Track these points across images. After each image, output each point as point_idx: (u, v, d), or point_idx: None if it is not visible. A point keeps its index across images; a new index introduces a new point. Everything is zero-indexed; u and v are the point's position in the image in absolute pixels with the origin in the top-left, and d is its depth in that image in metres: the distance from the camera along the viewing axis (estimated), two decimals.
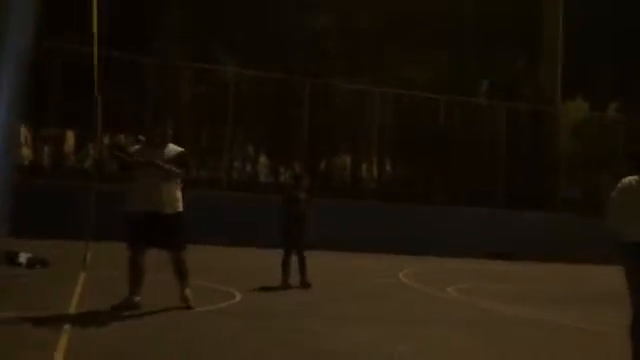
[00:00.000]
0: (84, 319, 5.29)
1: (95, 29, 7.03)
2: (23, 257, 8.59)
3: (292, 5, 22.69)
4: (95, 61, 7.28)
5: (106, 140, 21.03)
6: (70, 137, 21.37)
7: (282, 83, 20.11)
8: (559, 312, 7.76)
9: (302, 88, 17.74)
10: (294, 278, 8.08)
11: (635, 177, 4.42)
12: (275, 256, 8.41)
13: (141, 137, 6.32)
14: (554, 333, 6.30)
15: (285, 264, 8.17)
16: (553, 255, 16.89)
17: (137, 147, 6.26)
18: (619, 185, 4.49)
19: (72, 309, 5.69)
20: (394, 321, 6.37)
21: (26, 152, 21.29)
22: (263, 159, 24.54)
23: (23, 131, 21.39)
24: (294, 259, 8.12)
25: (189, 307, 6.04)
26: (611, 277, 13.29)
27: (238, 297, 7.06)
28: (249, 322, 5.80)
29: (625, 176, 4.54)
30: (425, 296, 8.62)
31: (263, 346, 4.80)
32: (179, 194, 6.12)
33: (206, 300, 6.68)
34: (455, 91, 20.97)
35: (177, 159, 6.04)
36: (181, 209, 6.14)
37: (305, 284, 8.05)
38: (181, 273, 6.22)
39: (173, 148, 6.16)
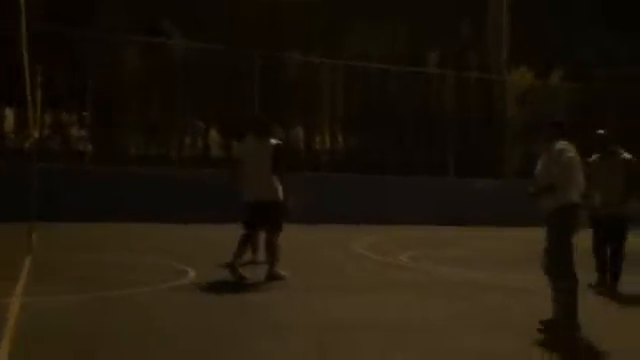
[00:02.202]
0: (32, 303, 5.12)
1: (22, 1, 6.65)
2: None
3: None
4: (24, 36, 6.90)
5: (47, 118, 20.25)
6: (9, 116, 20.42)
7: (232, 56, 19.71)
8: (507, 274, 8.03)
9: (252, 61, 17.45)
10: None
11: (565, 142, 4.74)
12: (232, 231, 8.31)
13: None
14: (500, 294, 6.51)
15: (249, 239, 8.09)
16: (503, 220, 17.42)
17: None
18: (567, 148, 4.70)
19: (19, 293, 5.49)
20: (350, 290, 6.44)
21: None
22: (214, 134, 24.12)
23: None
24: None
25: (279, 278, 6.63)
26: None
27: (194, 273, 6.97)
28: (208, 297, 5.74)
29: (543, 142, 4.90)
30: (379, 265, 8.75)
31: (223, 319, 4.77)
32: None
33: (163, 277, 6.58)
34: (405, 62, 21.08)
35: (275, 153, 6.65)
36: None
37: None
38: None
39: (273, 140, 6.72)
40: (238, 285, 6.51)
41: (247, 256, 7.95)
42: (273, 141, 6.72)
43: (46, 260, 7.77)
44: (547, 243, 4.72)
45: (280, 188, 6.77)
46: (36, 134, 9.37)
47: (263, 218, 6.73)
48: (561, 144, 4.73)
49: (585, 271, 6.91)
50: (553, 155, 4.71)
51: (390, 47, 22.98)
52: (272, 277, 6.73)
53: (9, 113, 19.98)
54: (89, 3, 19.70)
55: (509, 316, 5.38)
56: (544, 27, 25.17)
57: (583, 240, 7.68)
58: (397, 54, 22.12)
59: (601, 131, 6.95)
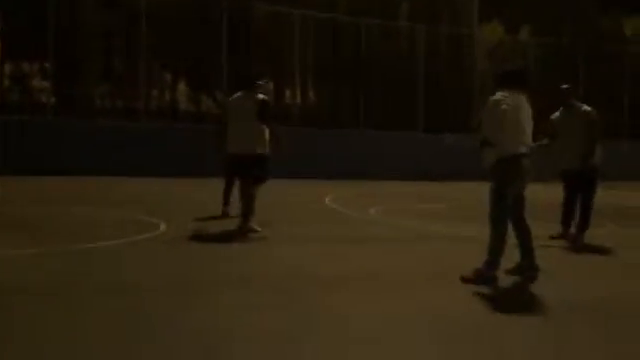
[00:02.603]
0: (2, 260, 5.04)
1: None
2: None
3: None
4: None
5: (8, 68, 19.50)
6: None
7: (198, 6, 19.15)
8: (473, 227, 8.21)
9: (220, 11, 16.99)
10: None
11: (505, 94, 4.61)
12: (201, 185, 8.25)
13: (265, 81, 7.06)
14: (464, 245, 6.68)
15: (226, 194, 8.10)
16: (472, 174, 17.69)
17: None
18: (502, 100, 4.58)
19: None
20: (316, 241, 6.51)
21: None
22: (182, 87, 23.64)
23: None
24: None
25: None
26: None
27: (164, 226, 6.94)
28: (176, 249, 5.73)
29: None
30: (348, 218, 8.84)
31: (189, 271, 4.78)
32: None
33: (131, 230, 6.53)
34: (375, 14, 20.81)
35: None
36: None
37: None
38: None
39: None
40: (206, 237, 6.51)
41: (219, 209, 7.95)
42: (260, 96, 6.73)
43: (9, 214, 7.61)
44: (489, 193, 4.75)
45: (266, 141, 6.79)
46: None
47: (245, 170, 6.75)
48: (497, 95, 4.64)
49: (548, 222, 7.14)
50: (488, 107, 4.68)
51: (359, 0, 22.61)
52: (245, 230, 6.71)
53: None
54: None
55: (455, 265, 5.53)
56: None
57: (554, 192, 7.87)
58: (367, 6, 21.79)
59: (565, 85, 7.01)
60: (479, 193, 14.38)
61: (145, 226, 6.95)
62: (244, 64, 19.29)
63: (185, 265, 5.13)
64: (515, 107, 4.62)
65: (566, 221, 6.99)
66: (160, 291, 4.16)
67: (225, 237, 6.58)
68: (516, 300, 4.40)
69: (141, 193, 11.38)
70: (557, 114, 7.00)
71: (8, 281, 4.29)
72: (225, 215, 7.94)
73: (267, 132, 6.77)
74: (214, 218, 7.80)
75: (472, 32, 22.33)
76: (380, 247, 6.40)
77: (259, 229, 6.78)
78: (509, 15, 23.77)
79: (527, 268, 4.82)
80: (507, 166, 4.62)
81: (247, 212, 6.71)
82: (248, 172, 6.73)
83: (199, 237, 6.51)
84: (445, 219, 9.05)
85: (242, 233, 6.62)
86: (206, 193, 7.57)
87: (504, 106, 4.55)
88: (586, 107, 6.85)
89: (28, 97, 19.80)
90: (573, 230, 6.91)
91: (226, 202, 8.08)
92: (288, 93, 22.93)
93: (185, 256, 5.53)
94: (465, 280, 4.59)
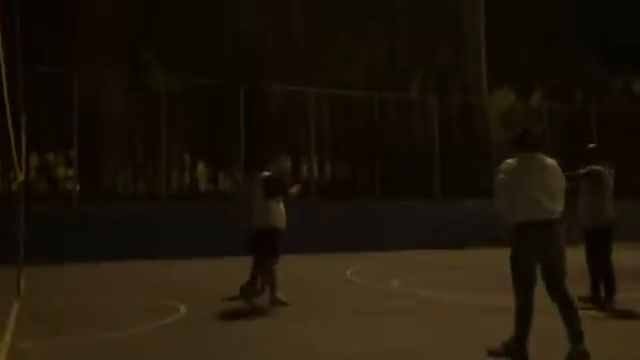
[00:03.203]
0: (21, 349, 5.06)
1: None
2: None
3: (221, 9, 22.48)
4: (3, 75, 6.92)
5: (33, 160, 20.21)
6: None
7: (216, 89, 19.90)
8: (500, 295, 8.05)
9: (236, 93, 17.61)
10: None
11: (513, 159, 4.44)
12: (220, 264, 8.29)
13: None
14: (491, 316, 6.53)
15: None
16: (494, 240, 17.48)
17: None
18: (502, 167, 4.44)
19: (8, 339, 5.42)
20: (340, 318, 6.42)
21: None
22: (201, 167, 24.18)
23: None
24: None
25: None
26: None
27: (184, 310, 6.93)
28: (199, 331, 5.70)
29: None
30: (372, 291, 8.74)
31: (209, 356, 4.74)
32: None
33: (153, 316, 6.53)
34: (388, 88, 21.39)
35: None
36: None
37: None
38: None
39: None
40: (226, 318, 6.48)
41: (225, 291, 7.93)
42: (265, 173, 7.26)
43: (35, 304, 7.68)
44: None
45: (275, 215, 7.15)
46: (21, 177, 9.35)
47: (261, 244, 7.14)
48: (504, 163, 4.49)
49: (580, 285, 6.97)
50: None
51: (372, 74, 23.33)
52: (274, 302, 6.99)
53: None
54: (68, 41, 19.83)
55: (479, 337, 5.39)
56: (520, 52, 25.71)
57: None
58: (378, 81, 22.44)
59: (592, 145, 7.06)
60: (504, 260, 14.14)
61: (166, 310, 6.95)
62: (261, 143, 19.77)
63: (205, 349, 5.09)
64: (521, 171, 4.35)
65: (593, 283, 6.85)
66: None
67: (245, 317, 6.55)
68: None
69: (162, 276, 11.42)
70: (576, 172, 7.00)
71: None
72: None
73: (276, 207, 7.14)
74: (233, 298, 7.77)
75: (482, 100, 22.74)
76: (403, 320, 6.29)
77: (288, 302, 7.03)
78: (519, 81, 24.23)
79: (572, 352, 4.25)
80: (513, 235, 4.41)
81: (273, 286, 7.04)
82: (265, 246, 7.09)
83: (218, 318, 6.48)
84: (467, 289, 8.88)
85: (273, 305, 6.93)
86: (226, 272, 7.62)
87: (501, 175, 4.39)
88: (595, 167, 6.87)
89: (53, 186, 20.36)
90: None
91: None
92: (305, 168, 23.28)
93: (204, 340, 5.49)
94: (490, 352, 4.45)
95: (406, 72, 23.71)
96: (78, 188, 17.61)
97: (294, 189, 7.40)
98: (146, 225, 15.02)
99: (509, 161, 4.44)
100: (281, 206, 7.25)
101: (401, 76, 23.53)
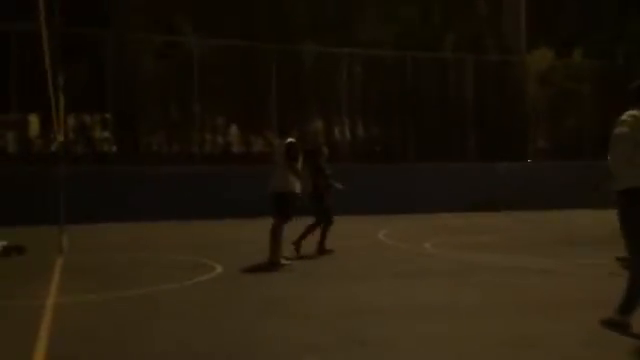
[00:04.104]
0: (66, 303, 5.26)
1: (42, 6, 6.75)
2: None
3: None
4: (45, 39, 7.00)
5: (71, 121, 20.59)
6: (34, 121, 20.81)
7: (248, 51, 19.78)
8: (531, 257, 7.98)
9: (268, 55, 17.49)
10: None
11: (636, 111, 3.95)
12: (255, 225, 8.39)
13: None
14: (522, 276, 6.48)
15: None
16: (528, 203, 17.26)
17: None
18: (626, 119, 3.94)
19: (53, 295, 5.65)
20: (374, 278, 6.47)
21: None
22: (234, 130, 24.27)
23: None
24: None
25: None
26: (583, 220, 13.63)
27: (220, 269, 7.09)
28: (233, 290, 5.82)
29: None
30: (404, 252, 8.76)
31: (251, 311, 4.85)
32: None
33: (190, 274, 6.69)
34: (421, 47, 20.90)
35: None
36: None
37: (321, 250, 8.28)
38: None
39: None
40: (263, 276, 6.60)
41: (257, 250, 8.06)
42: (288, 139, 7.41)
43: (77, 261, 7.95)
44: None
45: (291, 180, 7.30)
46: (61, 138, 9.55)
47: (274, 207, 7.32)
48: (624, 116, 3.99)
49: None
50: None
51: (405, 33, 22.80)
52: (272, 263, 7.13)
53: (33, 119, 20.35)
54: (105, 4, 19.91)
55: (535, 297, 5.36)
56: (561, 7, 24.70)
57: None
58: (413, 40, 21.93)
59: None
60: (535, 222, 14.02)
61: (202, 268, 7.11)
62: (293, 105, 19.69)
63: (239, 306, 5.20)
64: (625, 129, 3.90)
65: None
66: (220, 331, 4.22)
67: (279, 277, 6.66)
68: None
69: (199, 236, 11.66)
70: None
71: (86, 325, 4.48)
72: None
73: (298, 173, 7.34)
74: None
75: (521, 58, 22.05)
76: (435, 280, 6.30)
77: (287, 263, 7.20)
78: (559, 39, 23.38)
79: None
80: (633, 196, 3.93)
81: (275, 247, 7.20)
82: (276, 209, 7.31)
83: (252, 277, 6.62)
84: (499, 251, 8.82)
85: (271, 265, 7.12)
86: (259, 233, 7.76)
87: (623, 128, 3.92)
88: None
89: (91, 148, 20.78)
90: None
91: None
92: (337, 130, 23.15)
93: (239, 297, 5.60)
94: (603, 323, 4.11)
95: (441, 30, 23.10)
96: (114, 149, 17.96)
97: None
98: (180, 186, 15.26)
99: (633, 113, 3.95)
100: (300, 171, 7.43)
101: (435, 34, 22.94)
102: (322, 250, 8.27)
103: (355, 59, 20.61)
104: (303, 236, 8.21)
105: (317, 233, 8.32)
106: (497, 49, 22.49)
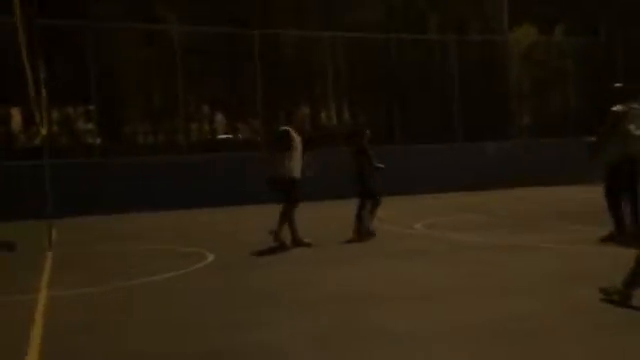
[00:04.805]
0: (57, 297, 5.23)
1: None
2: None
3: None
4: (21, 32, 6.88)
5: (54, 114, 20.35)
6: (16, 115, 20.53)
7: (230, 37, 19.60)
8: (522, 235, 8.06)
9: (251, 40, 17.34)
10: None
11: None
12: (242, 213, 8.39)
13: None
14: (515, 254, 6.56)
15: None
16: (516, 181, 17.40)
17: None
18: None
19: (45, 289, 5.61)
20: (372, 259, 6.51)
21: None
22: (220, 117, 24.14)
23: None
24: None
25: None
26: (570, 196, 13.74)
27: (212, 257, 7.08)
28: (223, 278, 5.82)
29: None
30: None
31: (240, 297, 4.86)
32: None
33: (181, 263, 6.68)
34: (405, 29, 20.82)
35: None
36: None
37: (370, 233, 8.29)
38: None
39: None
40: (255, 264, 6.61)
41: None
42: (282, 128, 7.77)
43: (67, 255, 7.90)
44: None
45: (286, 166, 7.56)
46: (44, 131, 9.44)
47: (280, 193, 7.64)
48: None
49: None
50: None
51: (389, 15, 22.71)
52: (276, 239, 7.47)
53: (15, 113, 20.06)
54: None
55: (524, 278, 5.42)
56: None
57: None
58: (397, 22, 21.85)
59: (618, 84, 7.02)
60: (524, 200, 14.14)
61: (193, 257, 7.10)
62: (277, 91, 19.58)
63: (231, 295, 5.21)
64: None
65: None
66: (217, 319, 4.23)
67: (272, 262, 6.68)
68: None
69: (187, 225, 11.62)
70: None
71: (78, 319, 4.46)
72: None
73: (293, 158, 7.58)
74: (259, 245, 7.90)
75: (504, 37, 22.04)
76: (430, 261, 6.35)
77: (286, 243, 7.49)
78: (541, 16, 23.39)
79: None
80: None
81: (279, 225, 7.54)
82: (279, 194, 7.65)
83: (244, 266, 6.62)
84: (489, 230, 8.90)
85: (275, 241, 7.45)
86: (244, 220, 7.78)
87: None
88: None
89: (75, 140, 20.56)
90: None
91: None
92: (324, 115, 23.09)
93: (230, 286, 5.60)
94: (601, 291, 4.25)
95: (424, 12, 23.02)
96: (99, 141, 17.78)
97: (306, 158, 7.86)
98: (167, 176, 15.18)
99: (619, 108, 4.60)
100: (297, 157, 7.65)
101: (418, 16, 22.86)
102: (370, 232, 8.26)
103: (339, 42, 20.49)
104: (360, 220, 8.23)
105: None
106: (480, 29, 22.47)
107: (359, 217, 8.27)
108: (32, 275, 6.34)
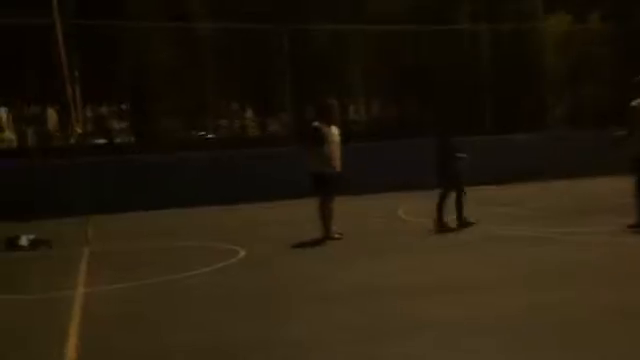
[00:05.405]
0: (94, 292, 5.36)
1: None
2: (24, 240, 8.57)
3: None
4: (59, 33, 7.03)
5: (88, 112, 20.79)
6: (52, 115, 21.05)
7: (260, 33, 19.67)
8: (556, 227, 7.91)
9: (281, 36, 17.37)
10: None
11: None
12: (275, 209, 8.42)
13: None
14: (545, 246, 6.44)
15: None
16: (550, 173, 17.04)
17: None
18: None
19: (82, 285, 5.75)
20: (399, 253, 6.48)
21: (8, 135, 20.98)
22: (250, 114, 24.30)
23: (3, 114, 21.04)
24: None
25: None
26: (603, 188, 13.39)
27: (243, 253, 7.15)
28: (257, 273, 5.87)
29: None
30: (425, 228, 8.73)
31: (270, 290, 4.89)
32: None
33: (214, 259, 6.75)
34: (436, 20, 20.56)
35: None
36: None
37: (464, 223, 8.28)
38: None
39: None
40: (285, 259, 6.65)
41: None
42: (314, 123, 7.82)
43: (103, 251, 8.07)
44: None
45: (320, 161, 7.60)
46: (80, 130, 9.65)
47: (316, 187, 7.75)
48: None
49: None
50: None
51: (419, 6, 22.43)
52: (330, 236, 7.56)
53: (52, 113, 20.55)
54: None
55: (565, 268, 5.32)
56: None
57: None
58: (426, 13, 21.57)
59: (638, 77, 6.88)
60: (556, 192, 13.84)
61: (225, 253, 7.18)
62: (306, 86, 19.57)
63: (262, 290, 5.24)
64: None
65: None
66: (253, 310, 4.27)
67: (303, 256, 6.70)
68: None
69: (220, 222, 11.75)
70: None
71: (115, 313, 4.56)
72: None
73: (326, 153, 7.59)
74: (291, 240, 7.94)
75: (539, 25, 21.55)
76: (460, 254, 6.29)
77: (340, 236, 7.59)
78: (575, 3, 22.82)
79: None
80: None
81: (323, 223, 7.61)
82: (315, 189, 7.73)
83: (275, 261, 6.66)
84: (520, 223, 8.75)
85: (325, 239, 7.51)
86: (283, 215, 7.83)
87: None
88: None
89: (109, 138, 20.98)
90: None
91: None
92: (352, 109, 23.02)
93: (262, 281, 5.64)
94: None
95: (454, 1, 22.67)
96: (132, 139, 18.11)
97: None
98: (198, 172, 15.33)
99: None
100: (330, 151, 7.65)
101: (450, 6, 22.52)
102: (464, 223, 8.22)
103: (368, 35, 20.37)
104: (440, 210, 8.24)
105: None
106: (514, 17, 22.01)
107: (439, 208, 8.21)
108: (69, 271, 6.50)
